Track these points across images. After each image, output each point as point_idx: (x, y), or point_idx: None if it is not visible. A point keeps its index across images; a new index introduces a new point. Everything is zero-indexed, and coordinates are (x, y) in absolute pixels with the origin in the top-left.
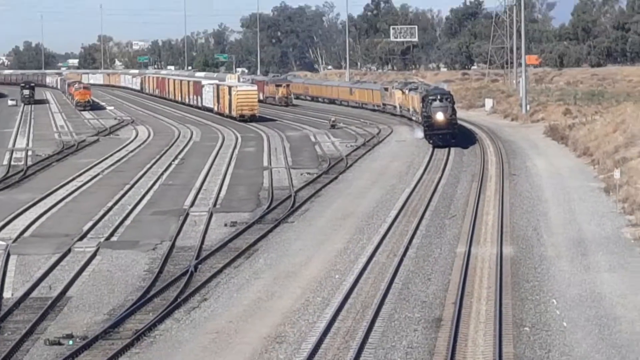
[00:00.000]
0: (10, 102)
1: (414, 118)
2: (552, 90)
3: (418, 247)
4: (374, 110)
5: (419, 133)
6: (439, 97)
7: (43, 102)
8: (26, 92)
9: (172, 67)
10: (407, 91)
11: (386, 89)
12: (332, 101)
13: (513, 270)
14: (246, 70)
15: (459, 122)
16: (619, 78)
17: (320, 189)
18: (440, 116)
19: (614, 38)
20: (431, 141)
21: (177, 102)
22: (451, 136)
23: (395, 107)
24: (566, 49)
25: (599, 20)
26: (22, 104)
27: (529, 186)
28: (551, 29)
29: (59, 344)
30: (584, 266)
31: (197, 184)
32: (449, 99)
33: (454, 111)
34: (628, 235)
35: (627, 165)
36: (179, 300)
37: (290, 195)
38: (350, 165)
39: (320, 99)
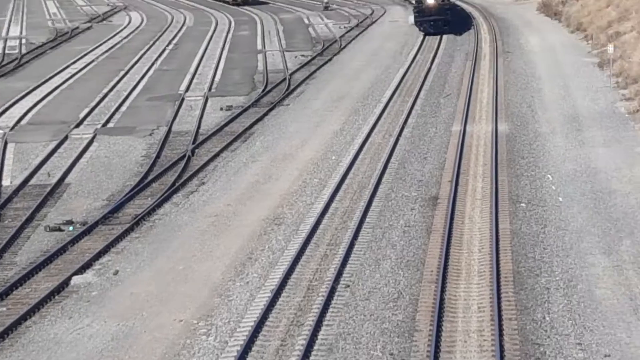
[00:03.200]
0: None
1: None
2: None
3: (413, 126)
4: None
5: (412, 18)
6: None
7: None
8: None
9: None
10: None
11: None
12: None
13: (508, 147)
14: None
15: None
16: None
17: (314, 71)
18: (430, 1)
19: None
20: (421, 28)
21: None
22: (443, 23)
23: None
24: None
25: None
26: None
27: (523, 63)
28: None
29: (60, 230)
30: (579, 141)
31: (192, 69)
32: None
33: None
34: (622, 109)
35: (620, 40)
36: (177, 184)
37: (285, 78)
38: (344, 47)
39: None
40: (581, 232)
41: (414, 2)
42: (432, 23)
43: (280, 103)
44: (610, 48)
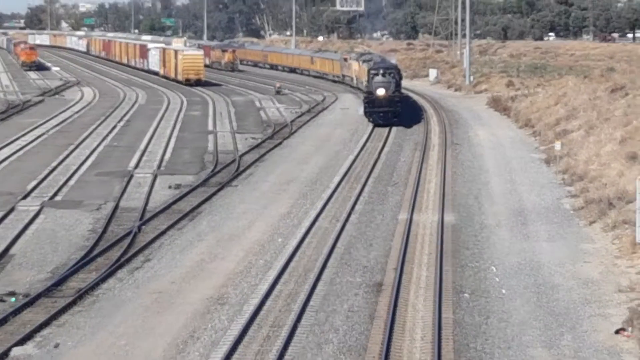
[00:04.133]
0: None
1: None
2: (496, 62)
3: (360, 213)
4: (334, 81)
5: (361, 109)
6: (381, 71)
7: None
8: None
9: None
10: (361, 62)
11: (345, 59)
12: (292, 70)
13: (454, 237)
14: (193, 35)
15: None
16: (561, 52)
17: (264, 154)
18: (381, 92)
19: (557, 12)
20: (371, 119)
21: (123, 64)
22: (393, 114)
23: (352, 78)
24: (510, 22)
25: None
26: None
27: (471, 156)
28: (496, 2)
29: (2, 300)
30: (524, 235)
31: (142, 146)
32: (392, 74)
33: (398, 86)
34: (567, 205)
35: (568, 138)
36: (122, 260)
37: (234, 160)
38: (295, 131)
39: (279, 67)
40: (523, 324)
41: (366, 92)
42: (381, 114)
43: (229, 184)
44: (557, 145)
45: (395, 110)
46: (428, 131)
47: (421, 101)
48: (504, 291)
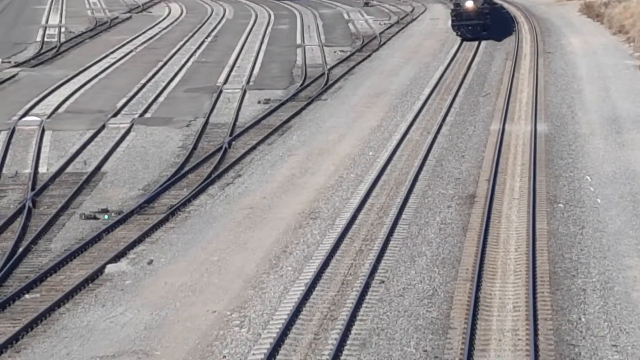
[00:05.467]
0: None
1: None
2: None
3: (452, 124)
4: None
5: (450, 21)
6: None
7: None
8: None
9: None
10: None
11: None
12: None
13: (547, 147)
14: None
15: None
16: None
17: (353, 67)
18: (469, 4)
19: None
20: (459, 32)
21: None
22: (482, 28)
23: None
24: None
25: None
26: None
27: (564, 64)
28: None
29: (95, 218)
30: (618, 143)
31: (230, 62)
32: None
33: None
34: None
35: None
36: (213, 176)
37: (323, 73)
38: (384, 43)
39: None
40: (619, 234)
41: (453, 4)
42: (470, 27)
43: (318, 98)
44: None
45: (484, 23)
46: (519, 40)
47: (512, 9)
48: (599, 200)
